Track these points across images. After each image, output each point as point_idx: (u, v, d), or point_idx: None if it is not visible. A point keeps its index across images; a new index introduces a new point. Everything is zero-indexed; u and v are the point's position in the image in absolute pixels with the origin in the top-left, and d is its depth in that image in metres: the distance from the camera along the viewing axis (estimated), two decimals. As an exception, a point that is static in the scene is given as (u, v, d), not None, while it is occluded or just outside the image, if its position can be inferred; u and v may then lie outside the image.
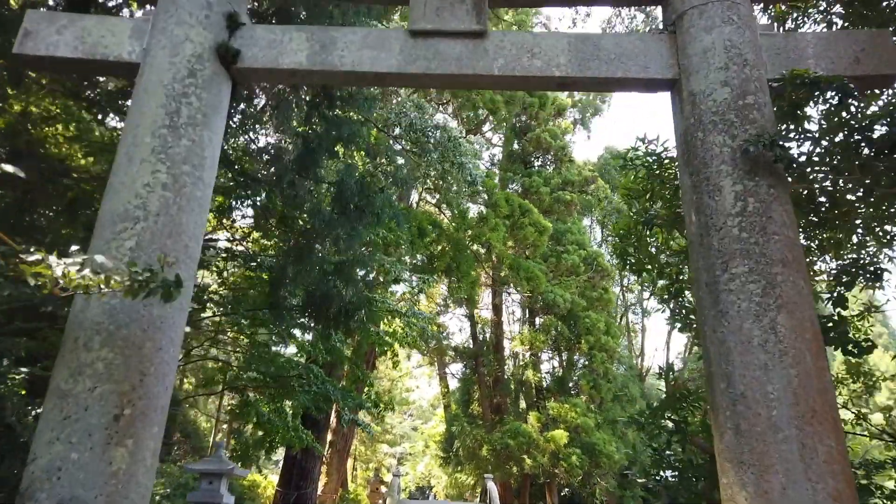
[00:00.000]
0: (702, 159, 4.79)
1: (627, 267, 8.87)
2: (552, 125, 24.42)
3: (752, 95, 4.84)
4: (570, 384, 22.84)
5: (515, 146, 25.44)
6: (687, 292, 8.74)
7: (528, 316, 26.86)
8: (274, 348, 11.20)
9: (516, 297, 30.55)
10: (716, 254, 4.53)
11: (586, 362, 22.71)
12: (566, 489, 23.79)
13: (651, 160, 7.45)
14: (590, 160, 29.73)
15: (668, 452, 6.41)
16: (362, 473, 44.00)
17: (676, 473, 6.11)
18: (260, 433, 10.85)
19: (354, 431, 27.04)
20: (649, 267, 8.91)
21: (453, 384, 35.61)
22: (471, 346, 30.19)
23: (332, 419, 25.38)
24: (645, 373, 29.35)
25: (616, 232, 8.75)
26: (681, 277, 8.67)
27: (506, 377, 27.44)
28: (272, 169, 8.20)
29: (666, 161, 7.80)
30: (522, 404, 27.39)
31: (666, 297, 8.80)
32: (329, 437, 24.60)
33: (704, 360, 4.61)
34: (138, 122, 4.85)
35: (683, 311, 8.67)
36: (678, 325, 8.63)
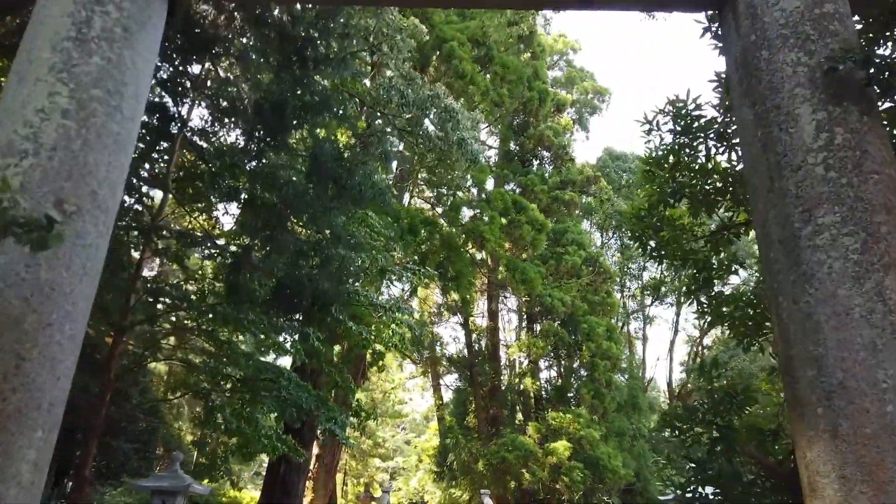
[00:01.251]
0: (768, 83, 3.72)
1: (647, 253, 7.76)
2: (552, 122, 23.38)
3: (830, 3, 3.78)
4: (571, 394, 21.60)
5: (513, 146, 24.35)
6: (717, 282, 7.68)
7: (526, 322, 25.66)
8: (249, 350, 9.97)
9: (513, 304, 29.44)
10: (793, 201, 3.44)
11: (588, 371, 21.51)
12: (566, 505, 22.53)
13: (684, 121, 6.37)
14: (588, 162, 28.73)
15: (702, 464, 5.26)
16: (353, 489, 42.51)
17: (719, 491, 4.97)
18: (232, 442, 9.64)
19: (342, 444, 25.73)
20: (665, 252, 7.83)
21: (448, 396, 34.35)
22: (465, 355, 28.96)
23: (319, 433, 24.14)
24: (647, 384, 28.15)
25: (634, 211, 7.63)
26: (710, 265, 7.58)
27: (502, 387, 26.20)
28: (237, 140, 7.09)
29: (695, 126, 6.74)
30: (520, 416, 26.15)
31: (693, 287, 7.69)
32: (315, 450, 23.29)
33: (780, 342, 3.51)
34: (36, 33, 3.74)
35: (714, 302, 7.57)
36: (708, 317, 7.49)
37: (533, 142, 23.24)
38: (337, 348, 19.04)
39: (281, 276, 6.66)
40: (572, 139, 24.69)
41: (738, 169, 6.77)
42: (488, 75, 18.62)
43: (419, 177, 18.20)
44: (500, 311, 26.99)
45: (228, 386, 8.70)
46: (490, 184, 22.74)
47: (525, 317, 25.65)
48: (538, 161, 24.43)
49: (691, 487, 5.19)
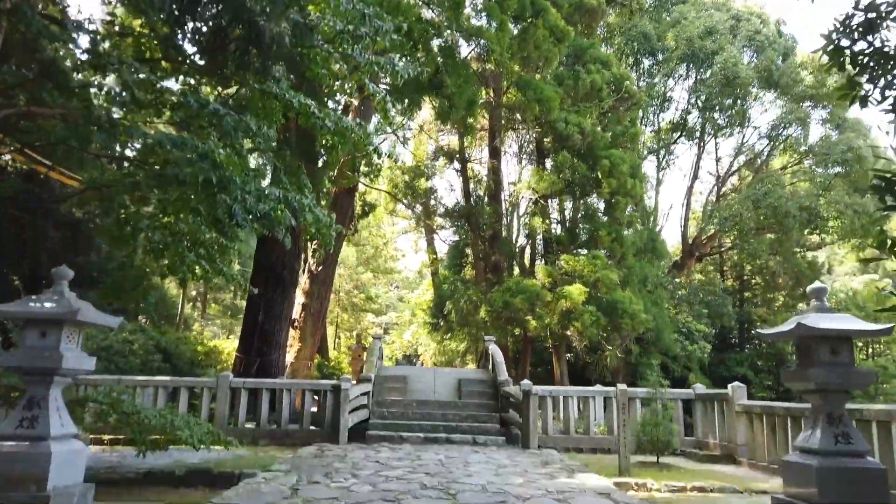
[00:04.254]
0: None
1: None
2: None
3: None
4: (587, 237, 19.16)
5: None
6: None
7: (535, 156, 22.75)
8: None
9: (514, 152, 26.43)
10: None
11: (606, 210, 19.01)
12: (569, 354, 21.03)
13: None
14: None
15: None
16: (346, 341, 41.93)
17: None
18: (157, 266, 7.14)
19: (330, 293, 23.89)
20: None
21: (443, 251, 32.42)
22: (463, 204, 26.41)
23: (305, 280, 22.17)
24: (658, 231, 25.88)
25: None
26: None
27: (504, 233, 23.92)
28: None
29: None
30: (518, 267, 24.10)
31: (847, 30, 4.78)
32: (302, 299, 21.44)
33: None
34: None
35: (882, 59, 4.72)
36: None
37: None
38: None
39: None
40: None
41: None
42: None
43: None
44: (503, 150, 24.00)
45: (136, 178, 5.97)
46: None
47: (534, 151, 22.68)
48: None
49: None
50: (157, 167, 5.67)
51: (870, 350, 26.59)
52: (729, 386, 10.54)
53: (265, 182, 7.53)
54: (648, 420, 9.31)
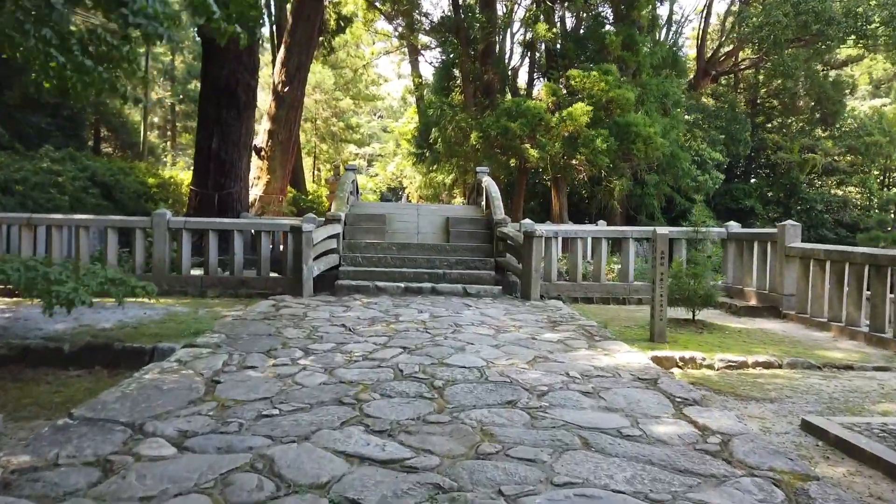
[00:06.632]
0: None
1: None
2: None
3: None
4: (596, 49, 16.16)
5: None
6: None
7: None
8: None
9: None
10: None
11: (620, 16, 15.86)
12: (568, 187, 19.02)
13: None
14: None
15: None
16: (326, 174, 39.58)
17: None
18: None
19: (300, 117, 21.13)
20: None
21: (428, 73, 29.08)
22: (451, 15, 22.86)
23: (271, 103, 19.36)
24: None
25: None
26: None
27: (497, 52, 20.77)
28: None
29: None
30: (509, 98, 21.19)
31: None
32: (268, 125, 18.82)
33: None
34: None
35: None
36: None
37: None
38: None
39: None
40: None
41: None
42: None
43: None
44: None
45: None
46: None
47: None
48: None
49: None
50: None
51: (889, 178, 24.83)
52: (779, 225, 8.62)
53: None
54: (685, 270, 7.46)
